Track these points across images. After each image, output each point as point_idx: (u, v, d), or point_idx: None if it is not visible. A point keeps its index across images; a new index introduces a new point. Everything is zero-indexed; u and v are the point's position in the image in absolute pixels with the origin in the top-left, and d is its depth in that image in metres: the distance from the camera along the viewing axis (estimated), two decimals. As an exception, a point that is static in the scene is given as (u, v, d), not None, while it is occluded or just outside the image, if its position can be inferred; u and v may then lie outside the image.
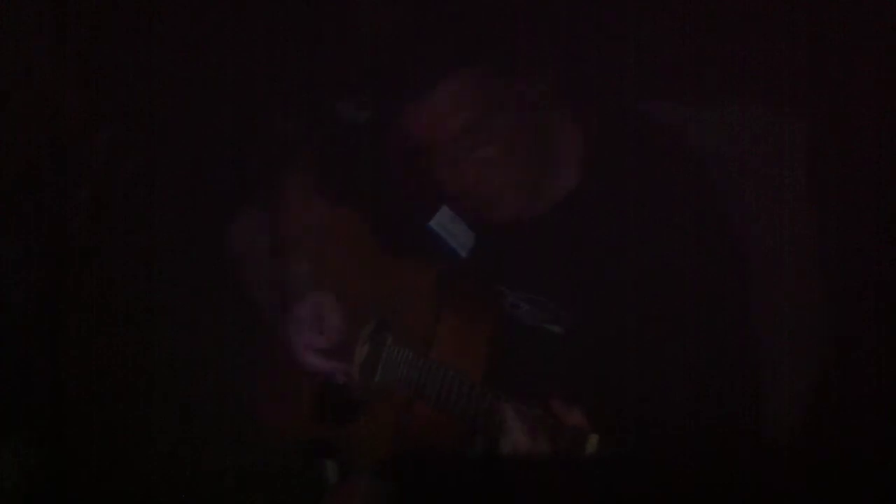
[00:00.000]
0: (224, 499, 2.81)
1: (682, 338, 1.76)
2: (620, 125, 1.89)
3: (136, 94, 2.76)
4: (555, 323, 1.88)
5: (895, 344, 2.25)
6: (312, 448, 2.10)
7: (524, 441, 1.68)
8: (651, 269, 1.79)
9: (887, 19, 2.28)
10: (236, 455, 2.82)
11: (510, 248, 1.90)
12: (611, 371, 1.78)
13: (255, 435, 2.46)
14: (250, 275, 2.18)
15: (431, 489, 1.94)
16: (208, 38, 2.74)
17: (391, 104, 1.81)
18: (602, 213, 1.84)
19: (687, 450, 1.69)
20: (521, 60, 1.81)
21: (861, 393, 2.25)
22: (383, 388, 1.91)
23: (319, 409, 2.02)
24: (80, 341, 2.90)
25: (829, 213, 2.05)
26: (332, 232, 2.06)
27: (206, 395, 2.92)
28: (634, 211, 1.81)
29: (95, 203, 2.74)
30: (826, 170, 2.07)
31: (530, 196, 1.84)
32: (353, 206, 2.04)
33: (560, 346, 1.87)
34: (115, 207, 2.86)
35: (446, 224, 1.97)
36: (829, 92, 2.32)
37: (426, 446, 1.87)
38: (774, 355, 1.90)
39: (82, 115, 2.72)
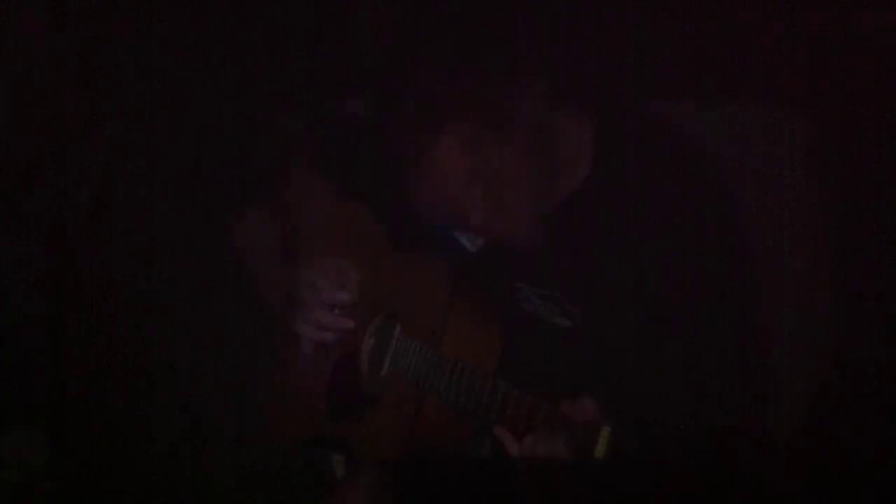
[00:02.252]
0: (224, 499, 2.82)
1: (687, 335, 1.76)
2: (627, 121, 1.89)
3: (136, 94, 2.76)
4: (565, 317, 1.88)
5: (895, 344, 2.25)
6: (323, 444, 2.10)
7: (535, 435, 1.68)
8: (659, 264, 1.79)
9: (887, 19, 2.28)
10: (236, 455, 2.82)
11: (520, 242, 1.90)
12: (619, 366, 1.78)
13: (262, 433, 2.46)
14: (255, 273, 2.18)
15: (438, 485, 1.94)
16: (208, 38, 2.74)
17: (399, 105, 1.80)
18: (610, 208, 1.84)
19: (688, 448, 1.68)
20: (522, 60, 1.81)
21: (861, 393, 2.25)
22: (391, 380, 1.91)
23: (328, 405, 2.02)
24: (80, 341, 2.90)
25: (829, 212, 2.05)
26: (341, 226, 2.06)
27: (206, 395, 2.92)
28: (642, 207, 1.81)
29: (95, 203, 2.74)
30: (827, 169, 2.07)
31: (539, 204, 1.84)
32: (363, 200, 2.04)
33: (570, 341, 1.87)
34: (115, 207, 2.86)
35: None
36: (829, 91, 2.32)
37: (435, 442, 1.87)
38: (775, 355, 1.90)
39: (82, 115, 2.72)
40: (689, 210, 1.79)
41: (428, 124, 1.76)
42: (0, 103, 2.72)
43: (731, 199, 1.85)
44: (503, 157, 1.76)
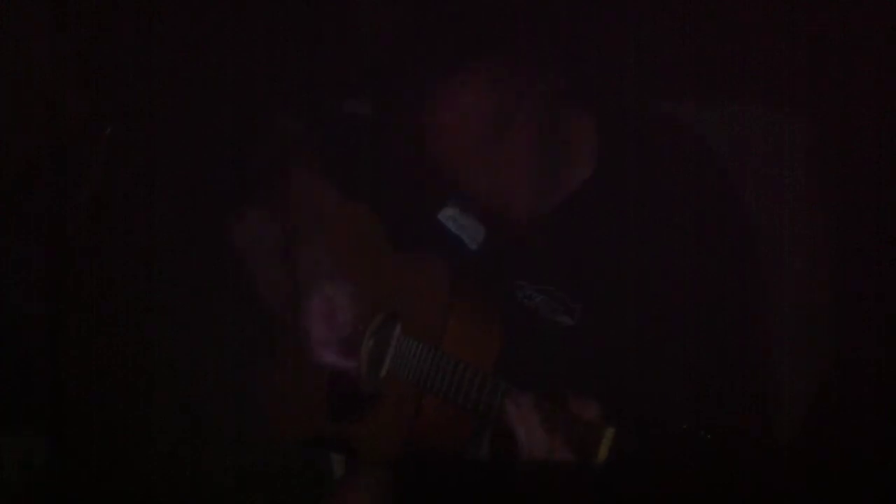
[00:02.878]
0: (224, 499, 2.82)
1: (688, 334, 1.76)
2: (631, 121, 1.89)
3: (136, 94, 2.76)
4: (566, 315, 1.87)
5: (895, 344, 2.25)
6: (322, 444, 2.09)
7: (537, 433, 1.67)
8: (660, 264, 1.79)
9: (887, 19, 2.28)
10: (236, 455, 2.83)
11: (522, 240, 1.90)
12: (620, 365, 1.78)
13: (262, 433, 2.45)
14: (256, 274, 2.18)
15: (438, 485, 1.94)
16: (208, 38, 2.74)
17: (399, 105, 1.81)
18: (614, 205, 1.83)
19: (689, 448, 1.68)
20: (524, 59, 1.81)
21: (861, 393, 2.25)
22: (391, 381, 1.91)
23: (328, 405, 2.02)
24: (80, 341, 2.90)
25: (829, 212, 2.05)
26: (341, 226, 2.05)
27: (206, 395, 2.92)
28: (645, 206, 1.81)
29: (95, 203, 2.74)
30: (827, 169, 2.07)
31: (544, 192, 1.84)
32: (363, 200, 2.04)
33: (571, 339, 1.87)
34: (115, 207, 2.86)
35: (456, 216, 1.96)
36: (830, 91, 2.32)
37: (435, 442, 1.86)
38: (775, 355, 1.90)
39: (82, 115, 2.72)
40: (692, 210, 1.79)
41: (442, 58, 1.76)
42: (0, 103, 2.72)
43: (734, 200, 1.85)
44: (510, 135, 1.76)
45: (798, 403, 1.98)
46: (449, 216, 1.96)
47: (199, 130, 2.74)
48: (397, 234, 2.00)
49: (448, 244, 1.96)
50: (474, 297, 1.87)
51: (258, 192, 2.16)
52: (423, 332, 1.86)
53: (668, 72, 2.35)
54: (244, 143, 2.46)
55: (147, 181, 2.82)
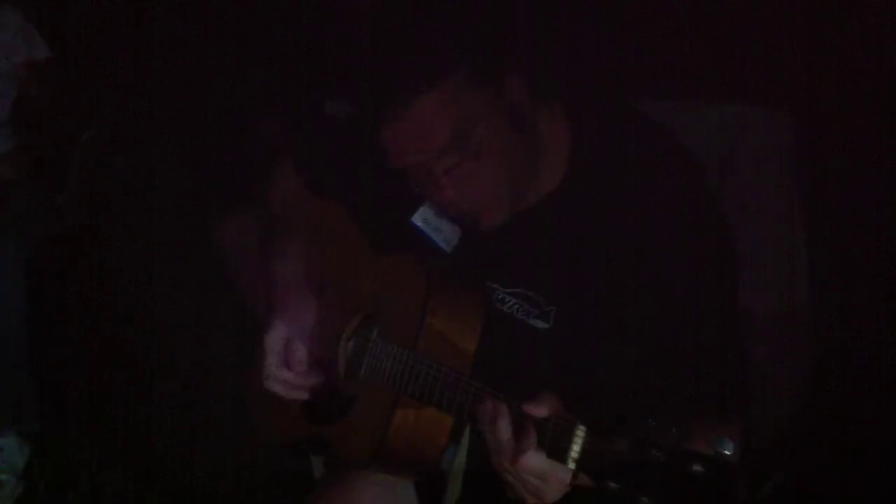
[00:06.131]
0: (223, 498, 2.83)
1: (664, 334, 1.75)
2: (605, 118, 1.88)
3: (131, 95, 2.78)
4: (541, 318, 1.87)
5: (890, 340, 2.24)
6: (302, 446, 2.10)
7: (510, 433, 1.67)
8: (636, 263, 1.78)
9: (884, 19, 2.27)
10: (235, 454, 2.84)
11: (496, 243, 1.89)
12: (594, 367, 1.77)
13: (249, 434, 2.46)
14: (239, 274, 2.18)
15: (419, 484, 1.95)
16: (202, 37, 2.76)
17: (372, 110, 1.81)
18: (588, 207, 1.83)
19: (672, 448, 1.67)
20: (508, 57, 1.80)
21: (854, 391, 2.24)
22: (369, 382, 1.91)
23: (309, 407, 2.02)
24: (80, 341, 2.93)
25: (821, 208, 2.05)
26: (320, 227, 2.05)
27: (205, 395, 2.94)
28: (620, 205, 1.80)
29: (93, 203, 2.76)
30: (817, 167, 2.07)
31: (515, 199, 1.83)
32: (341, 202, 2.04)
33: (546, 342, 1.86)
34: (113, 208, 2.88)
35: (430, 220, 1.96)
36: (822, 90, 2.31)
37: (414, 442, 1.86)
38: (755, 354, 1.89)
39: (78, 115, 2.74)
40: (664, 211, 1.78)
41: (409, 84, 1.75)
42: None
43: (708, 200, 1.84)
44: (478, 135, 1.76)
45: (782, 403, 1.97)
46: (423, 219, 1.96)
47: (184, 132, 2.75)
48: (376, 235, 2.00)
49: (426, 246, 1.96)
50: (450, 300, 1.86)
51: (240, 193, 2.16)
52: (399, 333, 1.86)
53: (661, 70, 2.35)
54: (227, 144, 2.48)
55: (146, 181, 2.85)
